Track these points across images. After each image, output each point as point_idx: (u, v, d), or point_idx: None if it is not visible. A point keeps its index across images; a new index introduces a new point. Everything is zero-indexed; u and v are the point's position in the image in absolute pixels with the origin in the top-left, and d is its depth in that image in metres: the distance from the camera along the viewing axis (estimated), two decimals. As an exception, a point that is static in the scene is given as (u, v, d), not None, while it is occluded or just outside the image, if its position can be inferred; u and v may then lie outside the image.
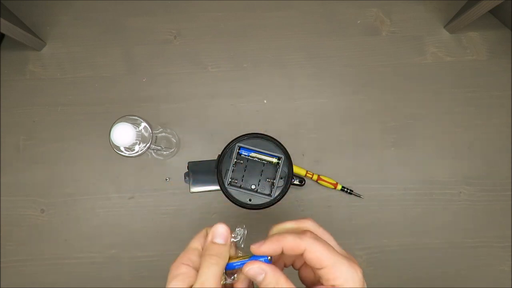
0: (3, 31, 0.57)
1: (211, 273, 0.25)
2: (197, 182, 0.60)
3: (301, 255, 0.26)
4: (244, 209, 0.49)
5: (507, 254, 0.61)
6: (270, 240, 0.26)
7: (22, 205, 0.63)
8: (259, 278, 0.26)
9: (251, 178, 0.48)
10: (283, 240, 0.26)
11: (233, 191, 0.48)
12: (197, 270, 0.26)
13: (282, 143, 0.49)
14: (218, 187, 0.50)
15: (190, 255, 0.27)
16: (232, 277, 0.27)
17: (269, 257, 0.26)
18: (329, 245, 0.26)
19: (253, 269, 0.26)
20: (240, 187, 0.48)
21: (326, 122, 0.65)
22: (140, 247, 0.62)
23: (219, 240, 0.27)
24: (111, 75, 0.67)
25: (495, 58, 0.66)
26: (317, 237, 0.26)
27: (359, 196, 0.62)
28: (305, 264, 0.29)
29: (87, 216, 0.63)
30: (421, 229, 0.62)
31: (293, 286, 0.25)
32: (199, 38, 0.68)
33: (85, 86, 0.66)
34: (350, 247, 0.61)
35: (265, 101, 0.65)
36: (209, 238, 0.27)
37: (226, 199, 0.48)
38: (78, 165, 0.64)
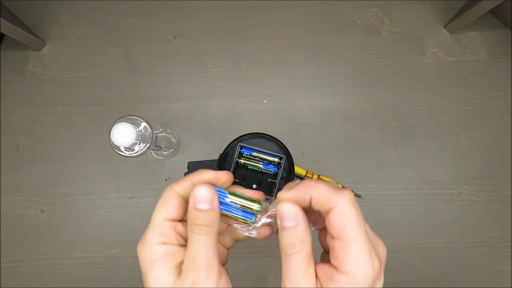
0: (3, 31, 0.57)
1: (202, 246, 0.21)
2: (197, 182, 0.60)
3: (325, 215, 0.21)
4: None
5: (507, 254, 0.61)
6: (300, 185, 0.22)
7: (22, 205, 0.63)
8: (288, 224, 0.21)
9: (253, 178, 0.48)
10: (315, 188, 0.21)
11: None
12: (179, 243, 0.22)
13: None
14: (218, 187, 0.50)
15: (160, 230, 0.22)
16: (251, 233, 0.24)
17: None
18: (361, 218, 0.21)
19: (286, 209, 0.21)
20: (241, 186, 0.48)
21: (326, 122, 0.65)
22: (140, 247, 0.62)
23: (203, 205, 0.22)
24: (111, 75, 0.67)
25: (495, 58, 0.66)
26: (354, 202, 0.21)
27: (359, 196, 0.62)
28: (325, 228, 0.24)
29: (87, 216, 0.63)
30: (421, 229, 0.62)
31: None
32: (199, 38, 0.68)
33: (85, 86, 0.66)
34: (350, 247, 0.61)
35: (265, 101, 0.65)
36: (191, 204, 0.22)
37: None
38: (78, 165, 0.64)
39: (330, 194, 0.21)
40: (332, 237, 0.21)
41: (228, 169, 0.48)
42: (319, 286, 0.21)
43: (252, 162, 0.47)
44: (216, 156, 0.50)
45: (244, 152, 0.48)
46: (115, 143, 0.46)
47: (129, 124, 0.46)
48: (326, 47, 0.67)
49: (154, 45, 0.67)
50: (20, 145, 0.65)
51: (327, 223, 0.21)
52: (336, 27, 0.68)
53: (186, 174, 0.56)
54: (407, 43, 0.67)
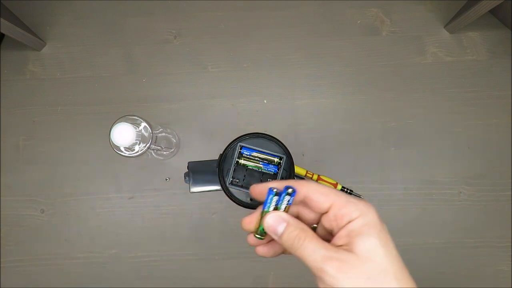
0: (3, 31, 0.57)
1: None
2: (197, 182, 0.60)
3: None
4: (245, 209, 0.49)
5: (507, 254, 0.61)
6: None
7: (22, 205, 0.63)
8: (280, 230, 0.23)
9: (253, 178, 0.48)
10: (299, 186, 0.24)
11: (234, 190, 0.48)
12: None
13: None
14: (218, 187, 0.50)
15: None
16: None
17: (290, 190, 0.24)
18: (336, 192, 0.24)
19: (272, 217, 0.23)
20: (241, 186, 0.48)
21: (326, 122, 0.65)
22: (140, 247, 0.62)
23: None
24: (111, 75, 0.67)
25: (495, 58, 0.66)
26: (325, 188, 0.24)
27: (359, 196, 0.62)
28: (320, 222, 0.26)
29: (87, 216, 0.63)
30: (421, 229, 0.62)
31: (323, 243, 0.22)
32: (199, 38, 0.68)
33: (85, 86, 0.66)
34: (350, 247, 0.61)
35: (265, 101, 0.65)
36: None
37: (226, 199, 0.48)
38: (78, 165, 0.64)
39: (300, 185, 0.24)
40: (329, 214, 0.24)
41: (228, 169, 0.48)
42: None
43: (252, 162, 0.47)
44: (216, 156, 0.50)
45: (244, 152, 0.48)
46: (115, 143, 0.46)
47: (129, 124, 0.46)
48: (326, 47, 0.67)
49: (154, 45, 0.67)
50: (20, 145, 0.65)
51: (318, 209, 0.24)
52: (336, 27, 0.68)
53: (186, 174, 0.56)
54: (407, 43, 0.67)
